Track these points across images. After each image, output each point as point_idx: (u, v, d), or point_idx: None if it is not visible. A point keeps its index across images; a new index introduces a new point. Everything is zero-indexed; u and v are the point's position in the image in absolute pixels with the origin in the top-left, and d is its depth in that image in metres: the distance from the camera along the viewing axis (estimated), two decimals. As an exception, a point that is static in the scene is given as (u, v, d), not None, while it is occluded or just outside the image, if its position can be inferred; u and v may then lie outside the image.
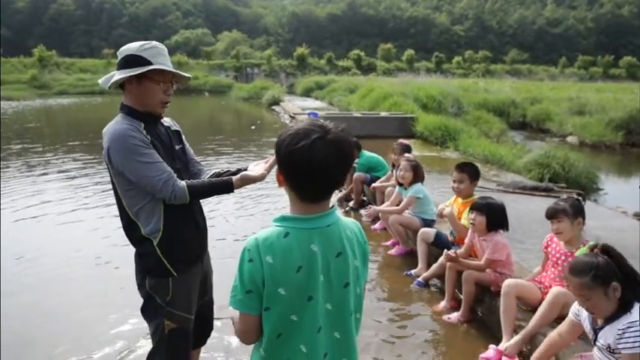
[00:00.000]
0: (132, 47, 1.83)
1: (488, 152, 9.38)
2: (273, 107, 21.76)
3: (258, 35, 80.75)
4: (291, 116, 16.25)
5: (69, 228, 5.39)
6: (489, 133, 13.20)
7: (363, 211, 5.74)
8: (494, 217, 3.01)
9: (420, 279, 3.70)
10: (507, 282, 2.74)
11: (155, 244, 1.84)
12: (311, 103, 24.74)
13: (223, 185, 1.88)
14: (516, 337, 2.62)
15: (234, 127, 17.53)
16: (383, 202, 4.93)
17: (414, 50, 55.67)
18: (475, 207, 3.06)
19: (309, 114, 13.83)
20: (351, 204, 5.96)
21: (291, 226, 1.20)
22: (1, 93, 25.44)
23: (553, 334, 2.17)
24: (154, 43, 1.85)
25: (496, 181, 7.11)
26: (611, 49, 72.40)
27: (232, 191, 1.90)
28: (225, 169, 2.04)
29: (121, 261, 4.27)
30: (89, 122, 17.19)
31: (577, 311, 2.15)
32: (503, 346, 2.62)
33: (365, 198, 5.94)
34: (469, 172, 3.54)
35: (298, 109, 18.03)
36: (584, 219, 2.64)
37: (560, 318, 2.40)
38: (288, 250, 1.17)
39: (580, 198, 2.74)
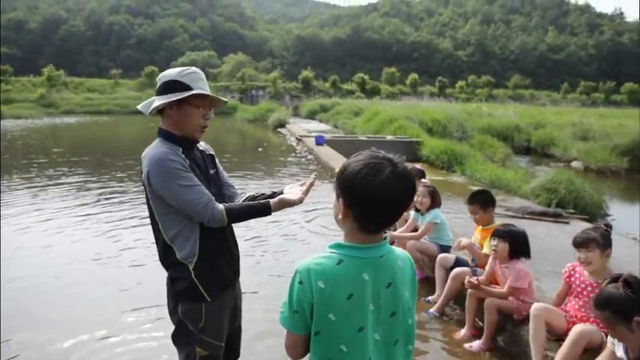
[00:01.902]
0: (171, 73, 1.85)
1: (495, 177, 9.42)
2: (279, 129, 21.94)
3: (264, 58, 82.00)
4: (297, 139, 16.37)
5: (58, 237, 5.51)
6: (494, 157, 13.26)
7: None
8: (517, 245, 3.01)
9: (432, 310, 3.68)
10: (536, 305, 2.71)
11: (191, 268, 1.83)
12: (315, 125, 24.90)
13: (262, 208, 1.87)
14: None
15: (240, 148, 17.67)
16: (395, 227, 4.95)
17: (418, 74, 56.32)
18: (497, 234, 3.05)
19: (315, 137, 13.96)
20: None
21: (346, 254, 1.23)
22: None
23: None
24: (193, 68, 1.88)
25: (504, 205, 7.13)
26: (612, 75, 73.22)
27: (270, 214, 1.89)
28: (260, 193, 2.05)
29: (112, 265, 4.60)
30: (96, 141, 17.40)
31: (615, 341, 2.09)
32: None
33: None
34: (479, 201, 3.57)
35: (304, 132, 18.19)
36: (611, 250, 2.62)
37: (587, 350, 2.40)
38: (341, 277, 1.20)
39: (609, 228, 2.69)
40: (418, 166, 5.30)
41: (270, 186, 9.17)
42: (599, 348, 2.43)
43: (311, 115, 30.82)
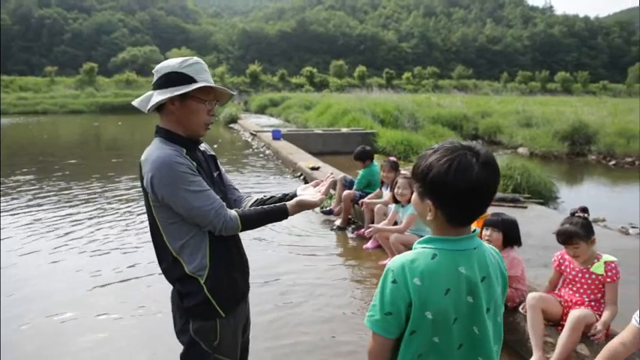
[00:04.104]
0: (171, 64, 1.66)
1: (452, 165, 9.66)
2: (231, 125, 21.51)
3: (209, 52, 79.90)
4: (252, 134, 16.10)
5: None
6: (446, 146, 13.61)
7: (350, 231, 5.64)
8: (510, 233, 3.03)
9: None
10: (532, 295, 2.72)
11: (202, 282, 1.65)
12: (266, 120, 24.66)
13: (278, 212, 1.72)
14: None
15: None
16: (372, 220, 4.91)
17: (365, 66, 56.98)
18: (490, 224, 3.06)
19: (272, 131, 13.79)
20: (337, 222, 5.72)
21: (440, 247, 1.17)
22: None
23: (615, 344, 2.04)
24: (196, 58, 1.69)
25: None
26: (545, 65, 77.52)
27: (287, 218, 1.74)
28: (269, 195, 1.89)
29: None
30: (34, 142, 16.30)
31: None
32: None
33: (350, 216, 5.82)
34: None
35: (257, 127, 17.93)
36: (594, 235, 2.65)
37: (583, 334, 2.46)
38: (437, 272, 1.15)
39: (586, 215, 2.68)
40: (393, 158, 5.29)
41: (237, 180, 8.97)
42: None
43: (261, 110, 30.48)
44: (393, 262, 1.17)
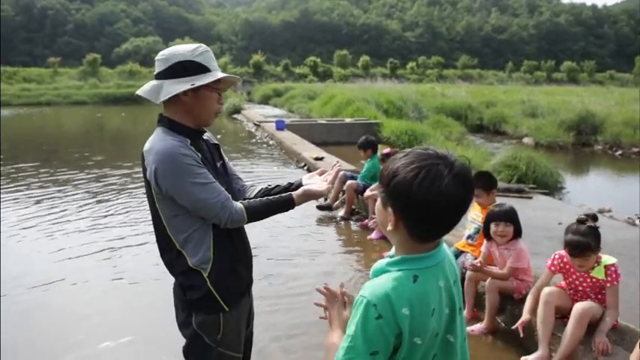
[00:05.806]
0: (183, 52, 1.60)
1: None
2: (234, 116, 21.47)
3: (212, 43, 79.49)
4: (255, 124, 16.06)
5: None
6: (450, 136, 13.55)
7: (353, 221, 5.64)
8: (517, 225, 3.00)
9: None
10: (548, 290, 2.67)
11: (206, 275, 1.62)
12: (270, 110, 24.57)
13: (284, 202, 1.69)
14: None
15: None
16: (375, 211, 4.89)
17: (369, 56, 56.58)
18: (500, 217, 3.00)
19: (276, 122, 13.75)
20: (340, 213, 5.74)
21: (419, 267, 1.08)
22: None
23: None
24: (204, 46, 1.65)
25: (469, 184, 7.30)
26: (551, 54, 76.68)
27: (293, 208, 1.71)
28: (274, 185, 1.85)
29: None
30: (36, 133, 16.35)
31: None
32: (539, 355, 2.58)
33: (353, 207, 5.83)
34: (482, 184, 3.45)
35: (261, 117, 17.88)
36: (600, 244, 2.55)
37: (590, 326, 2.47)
38: (422, 295, 1.05)
39: (596, 222, 2.53)
40: (388, 150, 5.27)
41: (247, 170, 9.03)
42: (599, 321, 2.52)
43: (265, 100, 30.38)
44: (373, 294, 1.04)
